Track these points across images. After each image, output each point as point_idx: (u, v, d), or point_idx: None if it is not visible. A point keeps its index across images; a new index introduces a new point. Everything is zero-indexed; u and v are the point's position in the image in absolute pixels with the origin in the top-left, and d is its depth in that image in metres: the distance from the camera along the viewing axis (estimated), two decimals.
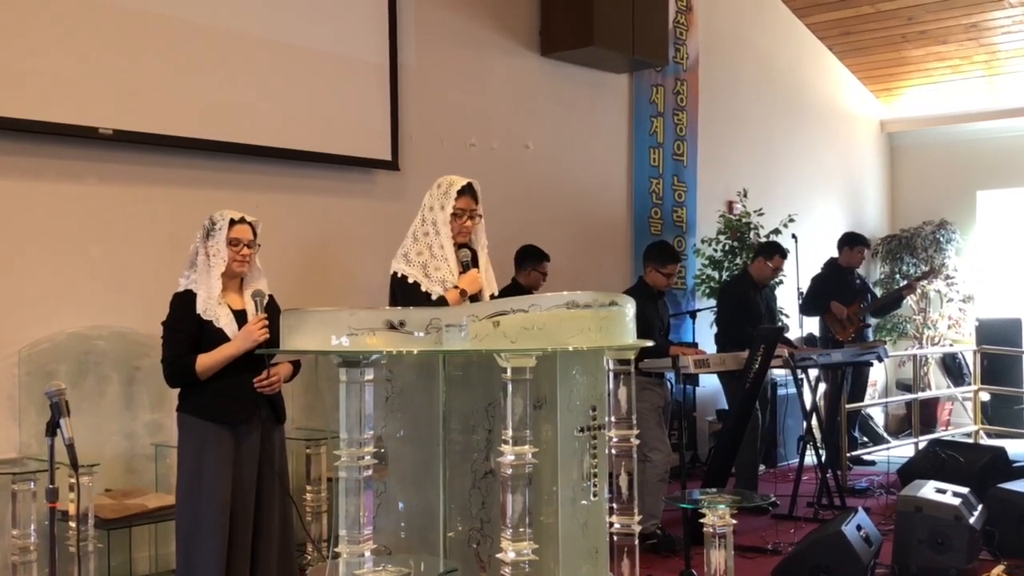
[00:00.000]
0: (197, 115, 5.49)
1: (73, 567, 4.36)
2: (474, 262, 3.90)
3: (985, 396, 9.96)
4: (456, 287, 3.78)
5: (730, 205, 9.49)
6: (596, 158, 8.29)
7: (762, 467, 7.85)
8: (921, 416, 9.54)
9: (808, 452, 7.13)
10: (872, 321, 9.44)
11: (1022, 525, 5.57)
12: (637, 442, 3.14)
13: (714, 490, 4.20)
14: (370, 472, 2.72)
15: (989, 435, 9.55)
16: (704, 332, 8.53)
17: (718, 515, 3.59)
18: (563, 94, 7.95)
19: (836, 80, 11.36)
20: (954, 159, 11.84)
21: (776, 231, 8.76)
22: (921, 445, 8.23)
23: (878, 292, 10.35)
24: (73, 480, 4.08)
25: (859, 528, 5.08)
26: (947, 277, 11.29)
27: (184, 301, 3.95)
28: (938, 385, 11.28)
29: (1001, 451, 6.81)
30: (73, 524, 4.30)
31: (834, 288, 8.53)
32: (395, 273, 3.86)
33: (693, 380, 6.57)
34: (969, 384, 10.12)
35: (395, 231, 4.24)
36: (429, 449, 3.12)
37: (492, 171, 7.14)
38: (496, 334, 2.69)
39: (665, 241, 7.25)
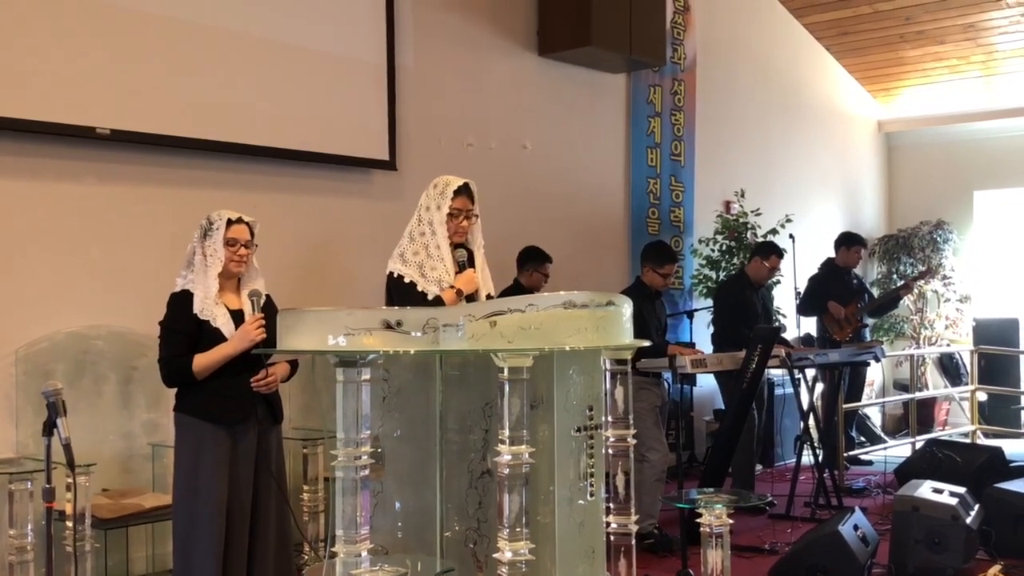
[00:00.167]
0: (194, 115, 5.49)
1: (70, 567, 4.35)
2: (470, 262, 3.90)
3: (982, 396, 9.97)
4: (452, 287, 3.79)
5: (727, 205, 9.49)
6: (594, 158, 8.29)
7: (759, 467, 7.86)
8: (918, 416, 9.54)
9: (805, 452, 7.13)
10: (869, 321, 9.45)
11: (1019, 525, 5.57)
12: (634, 442, 3.14)
13: (711, 490, 4.20)
14: (367, 472, 2.72)
15: (986, 435, 9.56)
16: (701, 332, 8.54)
17: (715, 515, 3.60)
18: (561, 94, 7.95)
19: (833, 80, 11.37)
20: (951, 159, 11.85)
21: (773, 231, 8.76)
22: (918, 445, 8.24)
23: (875, 292, 10.36)
24: (70, 480, 4.08)
25: (856, 528, 5.09)
26: (944, 277, 11.30)
27: (181, 301, 3.95)
28: (935, 385, 11.29)
29: (998, 451, 6.82)
30: (70, 524, 4.29)
31: (832, 288, 8.53)
32: (391, 273, 3.86)
33: (690, 380, 6.59)
34: (966, 384, 10.12)
35: (392, 231, 4.24)
36: (426, 449, 3.13)
37: (490, 171, 7.14)
38: (493, 334, 2.70)
39: (662, 241, 7.26)
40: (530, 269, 6.78)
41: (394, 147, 6.50)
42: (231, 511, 3.89)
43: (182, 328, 3.90)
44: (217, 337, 3.90)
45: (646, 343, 3.23)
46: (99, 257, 5.19)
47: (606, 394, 3.13)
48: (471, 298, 3.81)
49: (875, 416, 10.73)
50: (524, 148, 7.68)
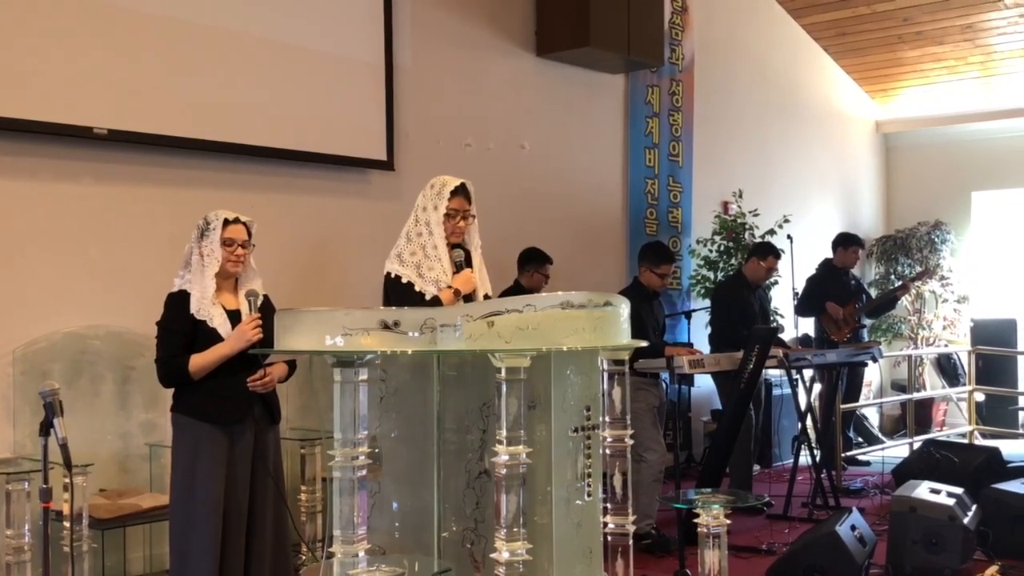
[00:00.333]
0: (192, 115, 5.49)
1: (67, 567, 4.35)
2: (468, 262, 3.90)
3: (980, 397, 9.97)
4: (450, 287, 3.79)
5: (725, 206, 9.50)
6: (592, 159, 8.29)
7: (757, 467, 7.86)
8: (916, 416, 9.55)
9: (803, 452, 7.14)
10: (867, 322, 9.45)
11: (1016, 525, 5.58)
12: (631, 442, 3.15)
13: (708, 490, 4.20)
14: (364, 472, 2.73)
15: (984, 435, 9.56)
16: (699, 332, 8.53)
17: (712, 515, 3.60)
18: (559, 94, 7.95)
19: (831, 81, 11.37)
20: (949, 160, 11.85)
21: (771, 232, 8.76)
22: (916, 445, 8.26)
23: (873, 293, 10.36)
24: (67, 480, 4.07)
25: (853, 528, 5.09)
26: (942, 278, 11.30)
27: (178, 301, 3.94)
28: (933, 386, 11.29)
29: (995, 451, 6.83)
30: (67, 524, 4.29)
31: (829, 289, 8.54)
32: (389, 273, 3.87)
33: (688, 380, 6.58)
34: (964, 384, 10.13)
35: (390, 231, 4.24)
36: (423, 449, 3.13)
37: (488, 171, 7.14)
38: (490, 334, 2.70)
39: (659, 241, 7.26)
40: (531, 270, 6.78)
41: (392, 147, 6.50)
42: (228, 511, 3.89)
43: (179, 328, 3.90)
44: (214, 337, 3.90)
45: (643, 343, 3.23)
46: (97, 257, 5.18)
47: (603, 394, 3.13)
48: (469, 298, 3.82)
49: (873, 416, 10.73)
50: (522, 148, 7.68)
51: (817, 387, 8.53)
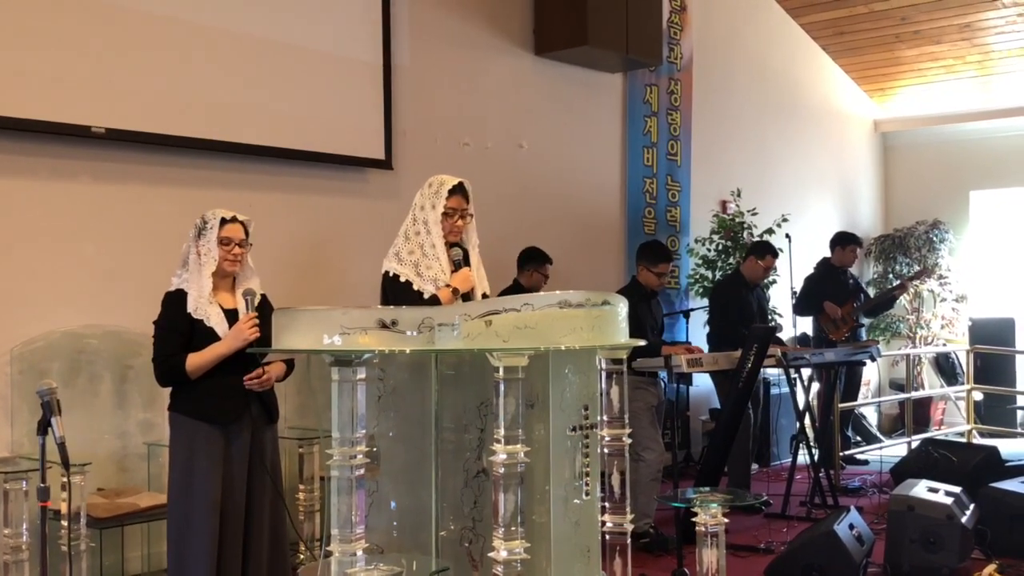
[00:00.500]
0: (190, 114, 5.48)
1: (65, 566, 4.35)
2: (466, 261, 3.90)
3: (978, 396, 9.98)
4: (448, 285, 3.79)
5: (724, 205, 9.50)
6: (590, 158, 8.30)
7: (755, 466, 7.86)
8: (914, 415, 9.56)
9: (801, 451, 7.14)
10: (865, 321, 9.45)
11: (1014, 524, 5.58)
12: (629, 441, 3.15)
13: (707, 489, 4.20)
14: (362, 471, 2.72)
15: (982, 434, 9.57)
16: (697, 331, 8.54)
17: (710, 514, 3.60)
18: (557, 93, 7.95)
19: (830, 80, 11.37)
20: (947, 159, 11.86)
21: (770, 231, 8.76)
22: (914, 444, 8.27)
23: (871, 292, 10.37)
24: (65, 479, 4.06)
25: (851, 527, 5.09)
26: (940, 277, 11.31)
27: (175, 300, 3.94)
28: (931, 384, 11.30)
29: (994, 450, 6.83)
30: (65, 523, 4.29)
31: (828, 288, 8.54)
32: (387, 272, 3.87)
33: (686, 379, 6.58)
34: (962, 384, 10.14)
35: (388, 230, 4.24)
36: (421, 448, 3.13)
37: (486, 170, 7.14)
38: (488, 333, 2.69)
39: (657, 240, 7.26)
40: (530, 269, 6.79)
41: (390, 146, 6.50)
42: (225, 510, 3.88)
43: (176, 327, 3.90)
44: (211, 336, 3.90)
45: (641, 343, 3.23)
46: (95, 256, 5.18)
47: (602, 393, 3.13)
48: (467, 297, 3.82)
49: (871, 415, 10.73)
50: (520, 147, 7.68)
51: (815, 386, 8.54)
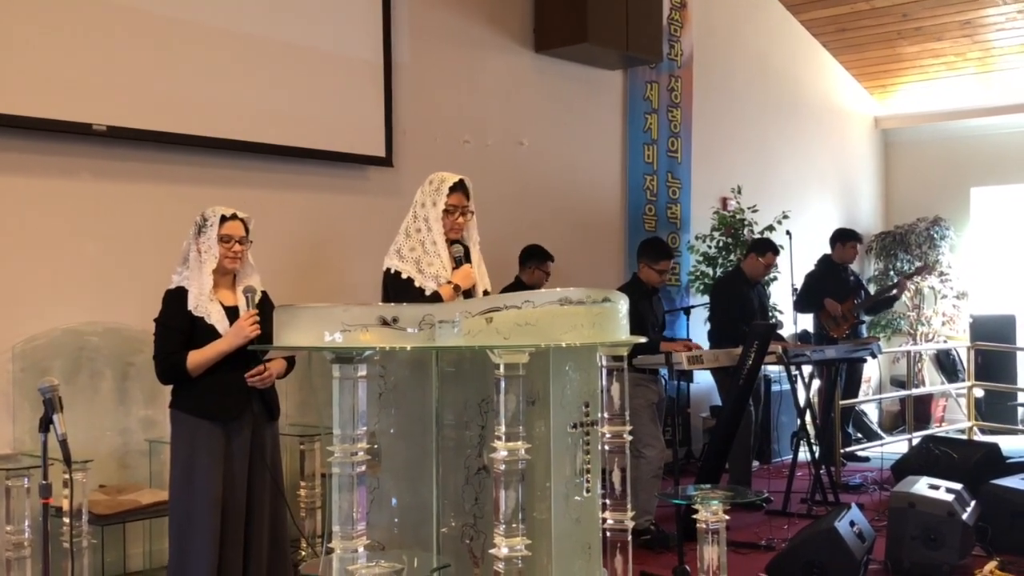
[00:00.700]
0: (191, 111, 5.49)
1: (67, 563, 4.35)
2: (466, 258, 3.91)
3: (979, 392, 9.98)
4: (450, 282, 3.79)
5: (724, 202, 9.50)
6: (590, 155, 8.29)
7: (756, 463, 7.87)
8: (915, 412, 9.56)
9: (802, 448, 7.14)
10: (866, 318, 9.45)
11: (1015, 521, 5.58)
12: (630, 438, 3.15)
13: (708, 486, 4.20)
14: (363, 468, 2.73)
15: (983, 431, 9.57)
16: (698, 328, 8.54)
17: (711, 511, 3.60)
18: (557, 91, 7.95)
19: (831, 77, 11.37)
20: (948, 156, 11.86)
21: (770, 228, 8.76)
22: (915, 441, 8.26)
23: (872, 289, 10.37)
24: (67, 476, 4.07)
25: (852, 524, 5.09)
26: (941, 274, 11.31)
27: (176, 298, 3.95)
28: (932, 381, 11.30)
29: (994, 447, 6.83)
30: (67, 520, 4.30)
31: (828, 285, 8.54)
32: (388, 269, 3.87)
33: (687, 376, 6.59)
34: (963, 380, 10.14)
35: (389, 227, 4.24)
36: (422, 445, 3.13)
37: (486, 168, 7.14)
38: (489, 330, 2.70)
39: (658, 237, 7.26)
40: (532, 267, 6.80)
41: (390, 144, 6.50)
42: (226, 507, 3.89)
43: (176, 325, 3.91)
44: (211, 334, 3.90)
45: (642, 339, 3.23)
46: (96, 253, 5.18)
47: (602, 390, 3.13)
48: (468, 294, 3.82)
49: (872, 412, 10.74)
50: (520, 145, 7.68)
51: (816, 383, 8.54)
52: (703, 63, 9.40)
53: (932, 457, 6.72)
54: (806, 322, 9.01)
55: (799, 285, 8.60)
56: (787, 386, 7.48)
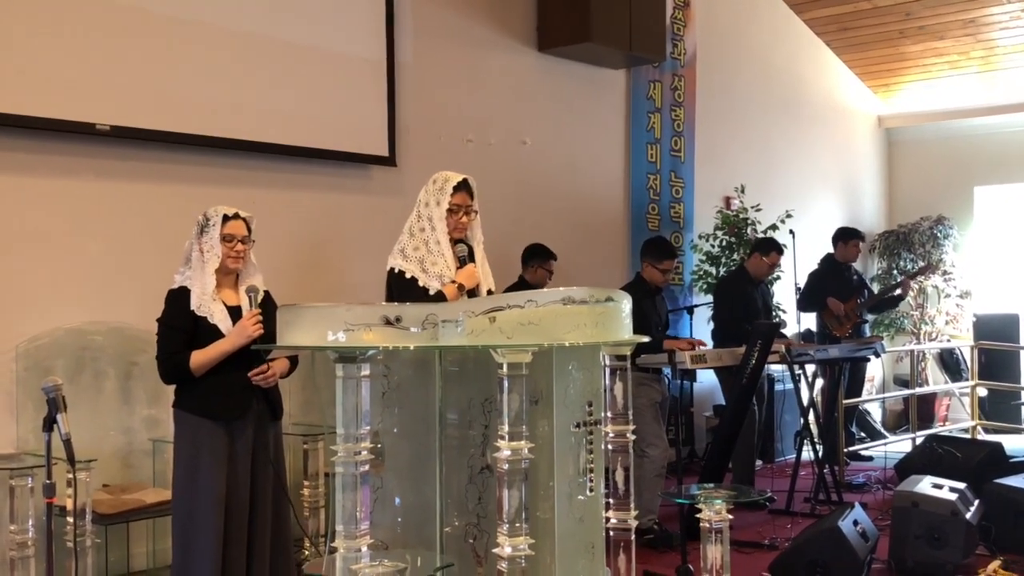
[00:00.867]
0: (194, 111, 5.49)
1: (71, 562, 4.36)
2: (470, 257, 3.90)
3: (982, 392, 9.97)
4: (454, 282, 3.79)
5: (727, 201, 9.49)
6: (593, 154, 8.29)
7: (759, 462, 7.86)
8: (918, 412, 9.54)
9: (805, 447, 7.14)
10: (869, 317, 9.44)
11: (1019, 520, 5.58)
12: (633, 437, 3.15)
13: (711, 485, 4.20)
14: (367, 467, 2.73)
15: (986, 430, 9.57)
16: (701, 328, 8.54)
17: (715, 510, 3.60)
18: (560, 90, 7.95)
19: (834, 76, 11.36)
20: (952, 155, 11.84)
21: (773, 227, 8.76)
22: (918, 441, 8.25)
23: (875, 288, 10.36)
24: (71, 475, 4.08)
25: (856, 523, 5.09)
26: (945, 273, 11.29)
27: (179, 298, 3.95)
28: (935, 381, 11.29)
29: (998, 446, 6.82)
30: (71, 519, 4.30)
31: (831, 284, 8.53)
32: (392, 269, 3.87)
33: (690, 375, 6.59)
34: (966, 380, 10.12)
35: (392, 227, 4.24)
36: (425, 444, 3.13)
37: (489, 167, 7.14)
38: (492, 330, 2.70)
39: (661, 237, 7.26)
40: (534, 265, 6.80)
41: (393, 143, 6.50)
42: (229, 507, 3.89)
43: (179, 325, 3.91)
44: (214, 333, 3.90)
45: (645, 339, 3.23)
46: (99, 253, 5.19)
47: (605, 390, 3.13)
48: (472, 293, 3.82)
49: (875, 412, 10.73)
50: (524, 144, 7.68)
51: (819, 382, 8.53)
52: (706, 62, 9.40)
53: (935, 456, 6.71)
54: (809, 321, 9.01)
55: (802, 284, 8.60)
56: (790, 385, 7.47)
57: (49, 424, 3.42)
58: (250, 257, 4.08)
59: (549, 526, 2.98)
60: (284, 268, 5.69)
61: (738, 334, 6.68)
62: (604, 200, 8.41)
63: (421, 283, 3.79)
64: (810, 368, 7.41)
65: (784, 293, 8.95)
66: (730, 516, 3.63)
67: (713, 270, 8.93)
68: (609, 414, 3.13)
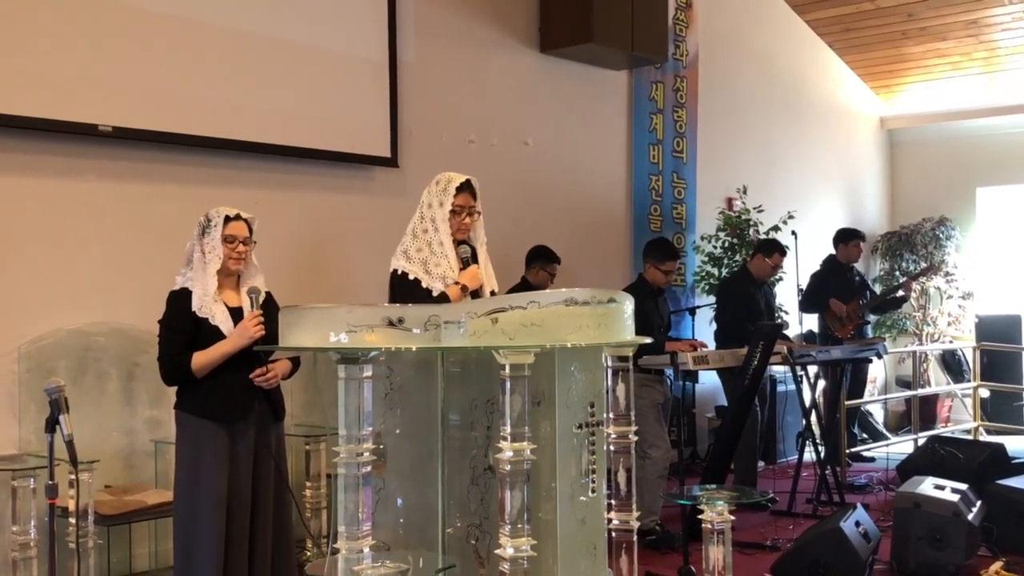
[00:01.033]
0: (197, 112, 5.49)
1: (73, 563, 4.37)
2: (473, 258, 3.90)
3: (984, 393, 9.97)
4: (457, 283, 3.79)
5: (729, 202, 9.49)
6: (595, 155, 8.29)
7: (761, 463, 7.86)
8: (920, 413, 9.55)
9: (807, 448, 7.13)
10: (871, 318, 9.44)
11: (1021, 521, 5.58)
12: (635, 438, 3.15)
13: (713, 486, 4.20)
14: (369, 468, 2.72)
15: (988, 431, 9.56)
16: (703, 329, 8.54)
17: (717, 511, 3.60)
18: (562, 91, 7.95)
19: (836, 77, 11.36)
20: (954, 156, 11.84)
21: (776, 228, 8.76)
22: (920, 441, 8.25)
23: (877, 289, 10.35)
24: (73, 476, 4.09)
25: (858, 524, 5.08)
26: (947, 274, 11.29)
27: (180, 299, 3.94)
28: (938, 382, 11.29)
29: (1000, 447, 6.82)
30: (73, 520, 4.31)
31: (833, 285, 8.53)
32: (395, 270, 3.87)
33: (692, 377, 6.58)
34: (968, 381, 10.12)
35: (394, 228, 4.24)
36: (428, 445, 3.13)
37: (491, 168, 7.14)
38: (495, 331, 2.69)
39: (664, 238, 7.26)
40: (536, 267, 6.80)
41: (396, 144, 6.51)
42: (231, 508, 3.89)
43: (180, 326, 3.90)
44: (216, 335, 3.90)
45: (647, 340, 3.23)
46: (101, 254, 5.19)
47: (608, 391, 3.13)
48: (476, 294, 3.82)
49: (877, 413, 10.72)
50: (526, 145, 7.68)
51: (821, 383, 8.53)
52: (708, 63, 9.40)
53: (938, 457, 6.71)
54: (811, 322, 9.00)
55: (804, 285, 8.59)
56: (792, 386, 7.47)
57: (52, 425, 3.42)
58: (252, 258, 4.07)
59: (551, 527, 2.98)
60: (286, 269, 5.70)
61: (740, 335, 6.68)
62: (606, 201, 8.41)
63: (424, 284, 3.79)
64: (812, 369, 7.41)
65: (786, 294, 8.94)
66: (732, 517, 3.63)
67: (715, 271, 8.92)
68: (611, 415, 3.13)
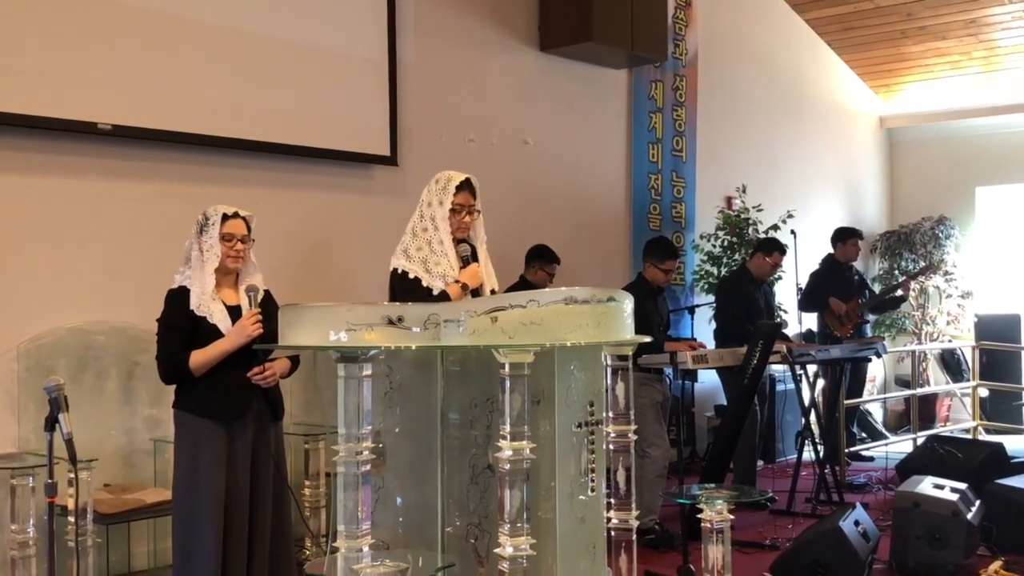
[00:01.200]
0: (196, 111, 5.49)
1: (72, 562, 4.37)
2: (473, 257, 3.90)
3: (984, 392, 9.97)
4: (457, 281, 3.79)
5: (729, 201, 9.49)
6: (595, 154, 8.29)
7: (760, 463, 7.86)
8: (920, 412, 9.54)
9: (806, 448, 7.13)
10: (870, 317, 9.44)
11: (1020, 521, 5.58)
12: (635, 437, 3.15)
13: (712, 485, 4.20)
14: (368, 467, 2.73)
15: (987, 431, 9.56)
16: (703, 328, 8.54)
17: (716, 510, 3.60)
18: (562, 90, 7.95)
19: (835, 76, 11.35)
20: (953, 155, 11.84)
21: (775, 227, 8.76)
22: (919, 441, 8.25)
23: (876, 288, 10.35)
24: (72, 475, 4.09)
25: (857, 524, 5.09)
26: (946, 273, 11.29)
27: (178, 297, 3.94)
28: (937, 381, 11.29)
29: (999, 447, 6.82)
30: (72, 519, 4.31)
31: (832, 284, 8.53)
32: (395, 269, 3.87)
33: (691, 376, 6.59)
34: (968, 380, 10.12)
35: (394, 226, 4.24)
36: (427, 444, 3.13)
37: (491, 167, 7.14)
38: (494, 330, 2.70)
39: (664, 237, 7.26)
40: (536, 267, 6.80)
41: (395, 143, 6.51)
42: (230, 506, 3.89)
43: (179, 325, 3.90)
44: (214, 333, 3.89)
45: (647, 339, 3.23)
46: (101, 252, 5.19)
47: (607, 390, 3.13)
48: (476, 293, 3.82)
49: (876, 412, 10.72)
50: (525, 144, 7.68)
51: (821, 383, 8.53)
52: (708, 62, 9.40)
53: (937, 457, 6.71)
54: (810, 321, 9.00)
55: (804, 284, 8.59)
56: (792, 385, 7.46)
57: (51, 424, 3.42)
58: (250, 256, 4.07)
59: (550, 526, 2.98)
60: (285, 268, 5.69)
61: (740, 334, 6.68)
62: (606, 200, 8.41)
63: (424, 283, 3.79)
64: (811, 368, 7.41)
65: (785, 293, 8.95)
66: (731, 516, 3.63)
67: (714, 270, 8.92)
68: (611, 414, 3.13)
